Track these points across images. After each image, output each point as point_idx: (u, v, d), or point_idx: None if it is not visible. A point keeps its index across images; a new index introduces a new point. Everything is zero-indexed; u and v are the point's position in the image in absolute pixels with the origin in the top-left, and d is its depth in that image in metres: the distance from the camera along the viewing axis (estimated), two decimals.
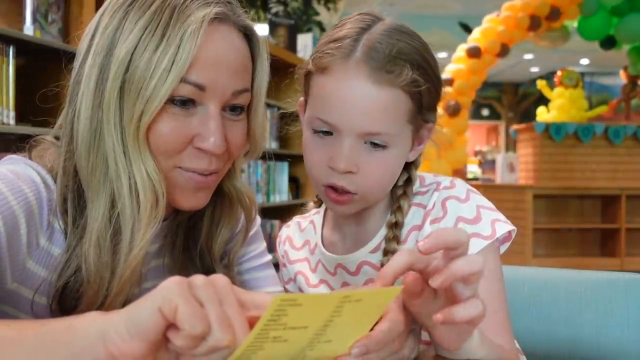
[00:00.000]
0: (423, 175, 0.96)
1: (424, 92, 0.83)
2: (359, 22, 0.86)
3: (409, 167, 0.93)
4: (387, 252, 0.90)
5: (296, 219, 1.08)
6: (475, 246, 0.84)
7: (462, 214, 0.87)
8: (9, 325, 0.57)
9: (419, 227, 0.90)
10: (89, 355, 0.52)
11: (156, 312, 0.50)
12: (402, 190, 0.92)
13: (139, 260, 0.77)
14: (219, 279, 0.54)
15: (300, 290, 1.02)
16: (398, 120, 0.83)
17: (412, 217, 0.92)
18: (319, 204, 1.06)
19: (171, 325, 0.51)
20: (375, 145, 0.84)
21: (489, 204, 0.90)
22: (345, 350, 0.60)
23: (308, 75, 0.88)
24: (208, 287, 0.53)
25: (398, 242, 0.90)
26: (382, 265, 0.89)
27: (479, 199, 0.90)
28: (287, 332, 0.51)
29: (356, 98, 0.81)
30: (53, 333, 0.55)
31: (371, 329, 0.62)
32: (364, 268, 0.93)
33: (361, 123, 0.82)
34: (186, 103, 0.77)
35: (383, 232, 0.92)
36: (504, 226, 0.86)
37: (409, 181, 0.93)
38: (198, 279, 0.53)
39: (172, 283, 0.52)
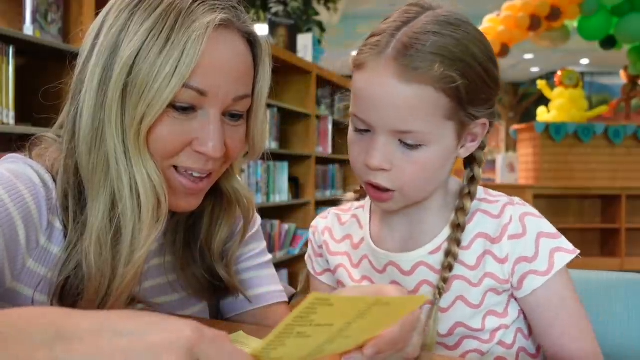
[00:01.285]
0: (489, 190, 0.94)
1: (461, 87, 0.80)
2: (402, 14, 0.84)
3: (472, 164, 0.92)
4: (449, 254, 0.88)
5: (334, 210, 1.05)
6: (562, 260, 0.86)
7: (542, 230, 0.87)
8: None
9: (491, 238, 0.88)
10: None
11: None
12: (467, 189, 0.90)
13: (142, 260, 0.77)
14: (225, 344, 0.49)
15: (341, 283, 0.99)
16: (431, 118, 0.81)
17: (477, 223, 0.90)
18: (359, 195, 1.05)
19: None
20: (409, 145, 0.82)
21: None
22: (360, 344, 0.61)
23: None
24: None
25: (459, 244, 0.88)
26: (442, 267, 0.88)
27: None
28: (312, 328, 0.52)
29: (385, 96, 0.80)
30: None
31: None
32: (420, 269, 0.91)
33: (391, 121, 0.81)
34: (187, 109, 0.77)
35: (446, 233, 0.90)
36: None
37: (473, 180, 0.91)
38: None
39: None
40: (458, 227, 0.88)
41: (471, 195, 0.90)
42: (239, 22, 0.82)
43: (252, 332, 0.80)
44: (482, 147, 0.92)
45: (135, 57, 0.75)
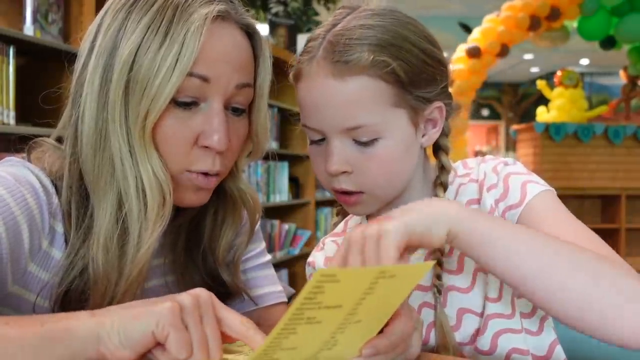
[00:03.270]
0: (466, 160, 0.94)
1: (398, 70, 0.78)
2: (332, 19, 0.85)
3: (438, 153, 0.90)
4: (435, 250, 0.85)
5: (329, 239, 1.01)
6: (534, 189, 0.84)
7: (511, 171, 0.87)
8: (9, 324, 0.58)
9: (476, 200, 0.88)
10: (83, 354, 0.58)
11: (149, 334, 0.59)
12: (438, 179, 0.89)
13: (147, 259, 0.77)
14: (202, 294, 0.63)
15: None
16: (377, 108, 0.79)
17: (462, 194, 0.89)
18: (344, 214, 1.01)
19: (159, 344, 0.60)
20: (363, 143, 0.80)
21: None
22: (374, 332, 0.61)
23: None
24: (194, 310, 0.61)
25: (441, 250, 0.85)
26: (435, 262, 0.85)
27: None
28: (321, 312, 0.52)
29: (324, 97, 0.80)
30: (52, 333, 0.58)
31: (381, 331, 0.63)
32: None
33: (338, 121, 0.80)
34: (189, 104, 0.77)
35: None
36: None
37: (443, 169, 0.89)
38: (186, 301, 0.61)
39: (166, 310, 0.60)
40: None
41: (443, 185, 0.88)
42: (236, 14, 0.82)
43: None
44: (445, 134, 0.89)
45: (135, 54, 0.75)
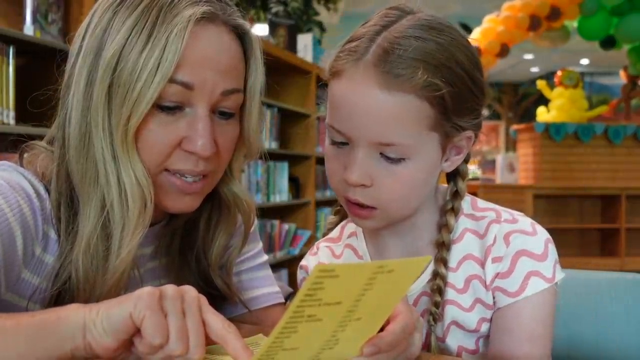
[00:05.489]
0: (476, 200, 0.89)
1: (446, 96, 0.75)
2: (382, 18, 0.79)
3: (455, 178, 0.86)
4: (436, 276, 0.82)
5: (323, 244, 0.98)
6: (535, 286, 0.80)
7: (526, 248, 0.81)
8: (3, 317, 0.60)
9: (479, 261, 0.83)
10: (71, 344, 0.58)
11: (128, 317, 0.57)
12: (449, 204, 0.85)
13: (127, 264, 0.76)
14: (189, 291, 0.61)
15: None
16: (414, 129, 0.76)
17: (466, 243, 0.84)
18: (341, 215, 0.99)
19: (139, 331, 0.58)
20: (390, 159, 0.77)
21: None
22: (375, 330, 0.61)
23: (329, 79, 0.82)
24: (176, 299, 0.59)
25: (445, 264, 0.83)
26: (431, 289, 0.83)
27: (546, 233, 0.84)
28: (322, 309, 0.51)
29: (365, 105, 0.75)
30: (43, 323, 0.59)
31: (381, 330, 0.63)
32: (422, 298, 0.86)
33: (371, 133, 0.75)
34: (173, 109, 0.76)
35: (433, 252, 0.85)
36: (561, 273, 0.83)
37: (456, 195, 0.85)
38: (169, 289, 0.59)
39: (145, 293, 0.58)
40: (443, 245, 0.83)
41: (455, 211, 0.84)
42: (224, 15, 0.79)
43: (254, 332, 0.79)
44: (466, 160, 0.86)
45: (119, 56, 0.73)
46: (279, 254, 3.78)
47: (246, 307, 0.95)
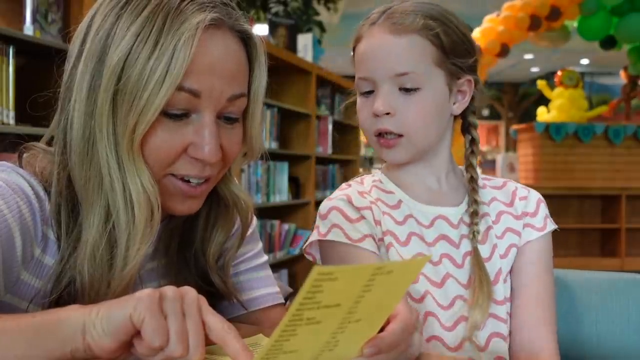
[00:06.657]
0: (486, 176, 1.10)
1: (441, 34, 0.96)
2: (391, 2, 1.01)
3: (469, 129, 1.07)
4: (473, 202, 1.01)
5: (339, 194, 1.01)
6: (551, 226, 1.04)
7: (541, 198, 1.06)
8: (3, 318, 0.60)
9: (505, 203, 1.04)
10: (71, 345, 0.58)
11: (127, 319, 0.57)
12: (470, 149, 1.06)
13: (134, 273, 0.75)
14: (189, 292, 0.61)
15: (391, 245, 0.97)
16: (423, 60, 0.96)
17: (488, 192, 1.05)
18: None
19: (139, 332, 0.58)
20: (407, 90, 0.96)
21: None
22: (374, 331, 0.61)
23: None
24: (176, 300, 0.59)
25: (477, 202, 1.01)
26: (469, 214, 1.01)
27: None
28: (321, 311, 0.51)
29: (381, 48, 0.97)
30: (43, 324, 0.59)
31: (381, 330, 0.63)
32: (461, 225, 1.02)
33: (390, 66, 0.95)
34: (180, 116, 0.75)
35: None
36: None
37: (473, 141, 1.06)
38: (169, 291, 0.59)
39: (145, 295, 0.58)
40: (472, 180, 1.02)
41: (474, 154, 1.05)
42: (230, 21, 0.79)
43: (254, 333, 0.80)
44: (473, 111, 1.06)
45: (124, 63, 0.72)
46: (279, 254, 3.78)
47: (245, 307, 0.95)
